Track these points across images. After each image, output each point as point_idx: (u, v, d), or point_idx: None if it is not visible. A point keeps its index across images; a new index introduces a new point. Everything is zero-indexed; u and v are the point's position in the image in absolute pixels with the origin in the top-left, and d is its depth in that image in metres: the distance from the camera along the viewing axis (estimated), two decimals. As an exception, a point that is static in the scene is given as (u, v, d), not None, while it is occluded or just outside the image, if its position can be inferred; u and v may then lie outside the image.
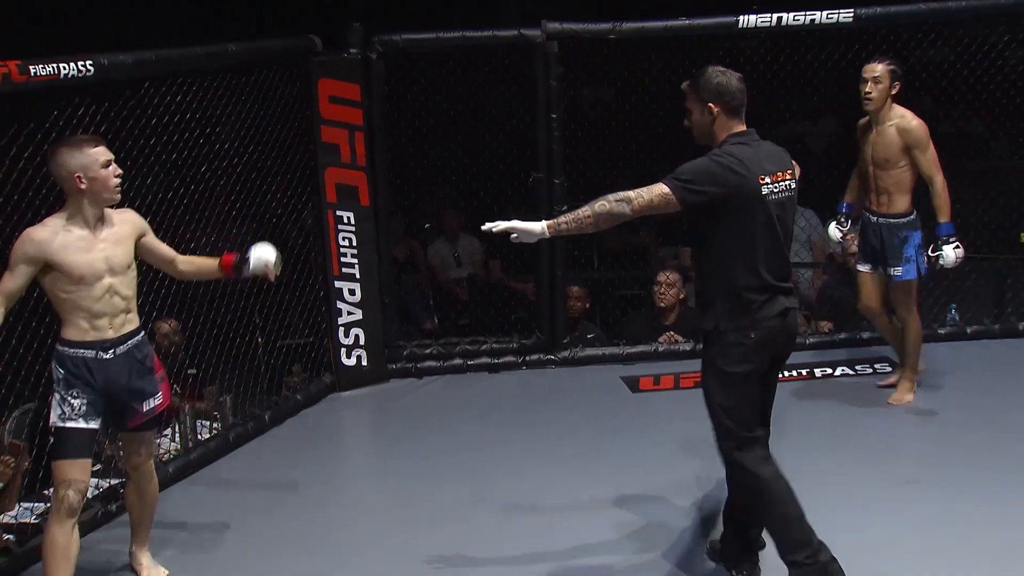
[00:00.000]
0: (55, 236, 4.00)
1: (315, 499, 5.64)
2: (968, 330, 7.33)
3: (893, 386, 6.40)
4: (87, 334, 4.12)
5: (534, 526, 5.16)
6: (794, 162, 4.41)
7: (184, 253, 5.66)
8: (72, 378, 4.11)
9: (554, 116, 7.00)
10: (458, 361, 7.33)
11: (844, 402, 6.41)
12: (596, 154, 8.21)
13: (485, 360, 7.35)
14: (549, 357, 7.37)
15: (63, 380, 4.12)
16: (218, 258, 4.63)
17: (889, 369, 6.83)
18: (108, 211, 4.19)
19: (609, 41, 7.17)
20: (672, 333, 7.58)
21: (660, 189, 4.18)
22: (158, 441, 6.05)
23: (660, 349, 7.40)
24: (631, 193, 4.17)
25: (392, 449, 6.47)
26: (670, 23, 7.18)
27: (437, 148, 7.81)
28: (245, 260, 4.54)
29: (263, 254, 4.55)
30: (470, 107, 7.74)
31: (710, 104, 4.30)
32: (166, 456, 5.90)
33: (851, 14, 6.99)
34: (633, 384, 7.01)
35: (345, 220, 6.86)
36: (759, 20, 7.04)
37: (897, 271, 6.05)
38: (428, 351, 7.41)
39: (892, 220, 6.04)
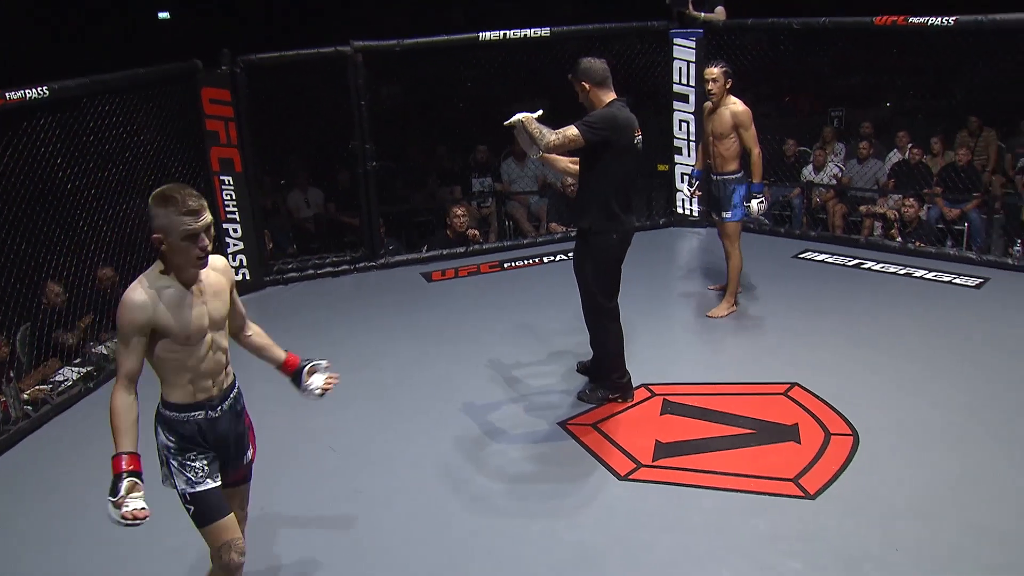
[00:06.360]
0: (155, 297, 2.82)
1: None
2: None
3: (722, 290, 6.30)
4: (195, 396, 2.97)
5: (371, 365, 5.65)
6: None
7: (112, 215, 5.51)
8: (185, 443, 2.98)
9: (363, 103, 7.19)
10: (311, 271, 7.48)
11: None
12: (391, 127, 8.27)
13: (329, 269, 7.53)
14: (371, 264, 7.59)
15: (176, 447, 2.98)
16: (284, 354, 3.55)
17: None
18: None
19: (396, 52, 7.29)
20: (476, 233, 7.95)
21: (573, 131, 4.23)
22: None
23: (444, 252, 7.70)
24: (564, 130, 4.25)
25: (271, 331, 6.36)
26: (434, 38, 7.34)
27: (287, 128, 7.57)
28: (303, 381, 3.47)
29: (316, 383, 3.47)
30: (307, 99, 7.65)
31: (583, 83, 4.42)
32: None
33: (548, 30, 7.40)
34: (428, 277, 7.40)
35: (226, 182, 6.99)
36: (492, 35, 7.32)
37: (726, 214, 5.93)
38: (290, 266, 7.52)
39: (725, 177, 5.89)
